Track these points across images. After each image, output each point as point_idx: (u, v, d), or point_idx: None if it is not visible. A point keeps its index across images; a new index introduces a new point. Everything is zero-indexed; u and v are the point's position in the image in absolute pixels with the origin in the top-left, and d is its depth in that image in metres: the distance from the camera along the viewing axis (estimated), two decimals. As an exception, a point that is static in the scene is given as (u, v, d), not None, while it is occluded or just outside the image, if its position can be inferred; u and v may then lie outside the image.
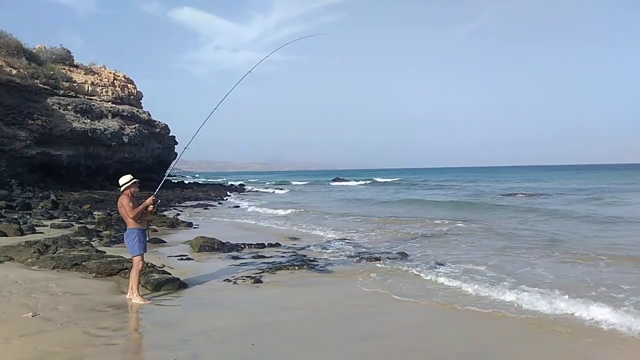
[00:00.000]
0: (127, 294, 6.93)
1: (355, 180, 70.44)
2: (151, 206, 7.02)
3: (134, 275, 6.81)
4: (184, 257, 10.35)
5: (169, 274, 8.12)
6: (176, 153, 51.42)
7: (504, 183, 53.55)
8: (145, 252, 6.99)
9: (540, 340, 5.36)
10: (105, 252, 9.83)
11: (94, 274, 8.25)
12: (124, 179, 6.98)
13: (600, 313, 6.01)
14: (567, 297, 6.67)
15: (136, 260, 6.85)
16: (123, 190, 6.96)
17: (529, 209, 21.45)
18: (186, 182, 58.78)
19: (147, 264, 8.45)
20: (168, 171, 10.73)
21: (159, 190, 7.62)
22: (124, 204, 6.82)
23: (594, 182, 50.24)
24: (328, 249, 11.65)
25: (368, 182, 67.25)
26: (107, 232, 14.04)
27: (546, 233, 13.98)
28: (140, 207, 6.92)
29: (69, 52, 38.02)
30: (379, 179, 75.92)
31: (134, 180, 7.00)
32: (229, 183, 64.78)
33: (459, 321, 6.13)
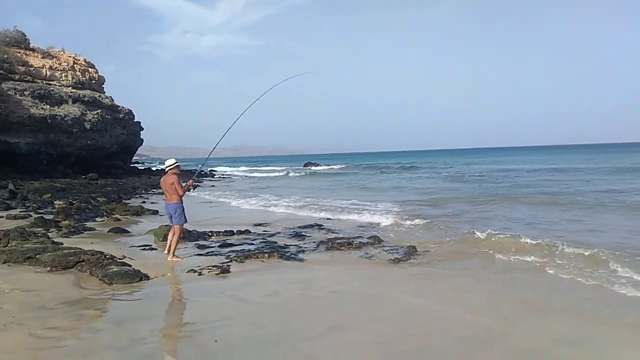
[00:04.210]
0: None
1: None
2: (191, 188, 8.84)
3: (175, 239, 8.44)
4: (147, 247, 9.83)
5: (130, 265, 7.65)
6: (142, 139, 50.03)
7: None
8: (187, 222, 8.87)
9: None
10: (62, 244, 9.27)
11: (48, 268, 7.70)
12: (170, 162, 8.67)
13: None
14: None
15: (178, 228, 8.50)
16: (167, 171, 8.58)
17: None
18: (154, 169, 57.38)
19: (105, 255, 8.04)
20: (202, 165, 12.14)
21: (195, 177, 9.83)
22: (175, 182, 8.45)
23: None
24: (299, 236, 11.29)
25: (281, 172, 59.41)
26: (67, 222, 13.33)
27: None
28: (186, 185, 8.64)
29: (24, 34, 36.17)
30: (320, 167, 66.85)
31: (177, 163, 8.72)
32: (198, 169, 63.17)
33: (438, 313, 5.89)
